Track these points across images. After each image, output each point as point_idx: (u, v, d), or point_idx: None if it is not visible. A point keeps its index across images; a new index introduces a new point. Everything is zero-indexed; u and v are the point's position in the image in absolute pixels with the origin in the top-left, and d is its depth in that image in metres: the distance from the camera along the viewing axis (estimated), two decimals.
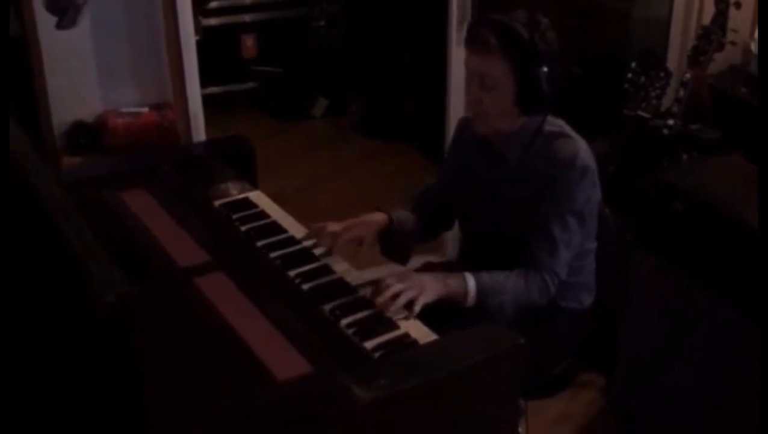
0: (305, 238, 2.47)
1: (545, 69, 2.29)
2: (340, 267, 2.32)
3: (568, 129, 2.45)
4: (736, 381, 2.66)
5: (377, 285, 2.18)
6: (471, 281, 2.29)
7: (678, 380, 2.89)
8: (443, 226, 2.81)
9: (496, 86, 2.32)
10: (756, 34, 3.83)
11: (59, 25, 2.53)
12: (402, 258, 2.63)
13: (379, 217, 2.56)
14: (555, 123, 2.45)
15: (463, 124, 2.65)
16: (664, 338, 2.92)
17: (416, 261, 2.84)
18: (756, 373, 2.57)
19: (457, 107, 3.97)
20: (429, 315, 2.15)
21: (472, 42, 2.34)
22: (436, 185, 2.73)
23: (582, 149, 2.39)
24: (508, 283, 2.32)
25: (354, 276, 2.28)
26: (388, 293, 2.13)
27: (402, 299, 2.13)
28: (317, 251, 2.40)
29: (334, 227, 2.46)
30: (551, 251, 2.36)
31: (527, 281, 2.33)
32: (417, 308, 2.13)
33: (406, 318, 2.11)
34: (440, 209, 2.72)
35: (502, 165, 2.47)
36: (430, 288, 2.19)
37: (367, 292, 2.20)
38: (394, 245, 2.58)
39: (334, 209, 2.62)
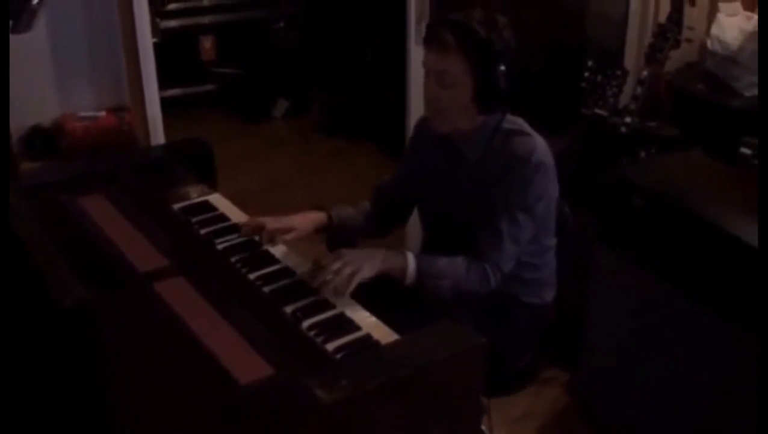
0: (243, 234, 2.49)
1: (502, 68, 2.31)
2: (301, 269, 2.31)
3: (526, 127, 2.47)
4: (700, 375, 2.68)
5: (315, 265, 2.21)
6: (411, 261, 2.32)
7: (642, 374, 2.91)
8: (397, 221, 2.83)
9: (454, 84, 2.33)
10: (712, 31, 3.87)
11: (13, 30, 2.49)
12: None
13: (316, 214, 2.58)
14: (514, 121, 2.47)
15: (422, 123, 2.66)
16: (627, 333, 2.94)
17: None
18: (719, 365, 2.60)
19: (417, 105, 3.97)
20: (371, 294, 2.18)
21: (430, 41, 2.36)
22: (393, 181, 2.74)
23: (539, 146, 2.41)
24: (450, 269, 2.34)
25: None
26: (327, 273, 2.15)
27: (338, 279, 2.15)
28: (274, 251, 2.40)
29: (269, 222, 2.48)
30: (496, 245, 2.37)
31: (468, 271, 2.35)
32: (353, 284, 2.16)
33: (338, 294, 2.15)
34: (396, 204, 2.74)
35: (462, 162, 2.48)
36: (368, 264, 2.22)
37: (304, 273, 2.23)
38: (338, 242, 2.60)
39: (298, 209, 2.60)
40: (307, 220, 2.56)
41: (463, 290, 2.36)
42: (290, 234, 2.48)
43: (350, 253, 2.25)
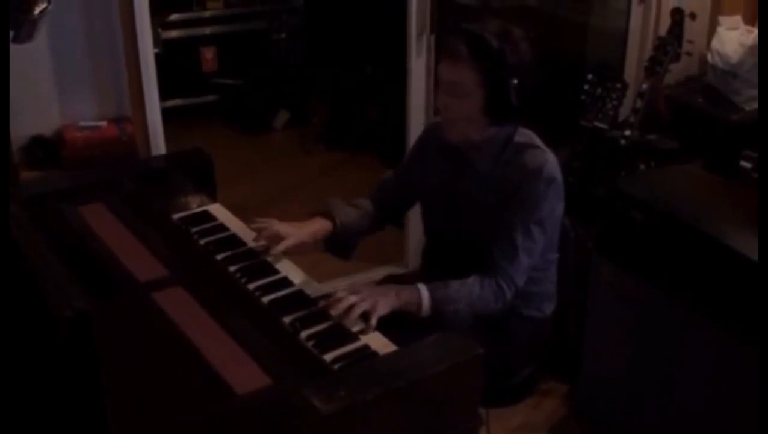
0: (255, 240, 2.50)
1: (515, 80, 2.29)
2: (300, 280, 2.32)
3: (537, 140, 2.47)
4: (700, 385, 2.68)
5: (330, 298, 2.19)
6: (424, 292, 2.29)
7: (641, 386, 2.91)
8: (391, 220, 2.83)
9: (465, 95, 2.32)
10: (712, 45, 3.88)
11: (15, 40, 2.50)
12: (345, 254, 2.66)
13: (322, 225, 2.56)
14: (525, 134, 2.46)
15: (431, 129, 2.66)
16: (626, 345, 2.95)
17: (378, 273, 2.84)
18: (718, 377, 2.61)
19: (417, 117, 3.98)
20: (385, 325, 2.15)
21: (444, 50, 2.36)
22: (395, 181, 2.75)
23: (550, 161, 2.40)
24: (463, 290, 2.32)
25: (313, 288, 2.28)
26: (342, 306, 2.13)
27: (356, 312, 2.13)
28: (274, 261, 2.41)
29: (279, 227, 2.48)
30: (511, 258, 2.36)
31: (482, 288, 2.33)
32: (374, 322, 2.13)
33: (363, 332, 2.11)
34: (396, 204, 2.76)
35: (471, 172, 2.48)
36: (383, 301, 2.19)
37: (322, 305, 2.20)
38: (338, 243, 2.60)
39: (298, 220, 2.61)
40: (313, 234, 2.54)
41: (479, 308, 2.34)
42: (282, 245, 2.46)
43: (365, 289, 2.24)
